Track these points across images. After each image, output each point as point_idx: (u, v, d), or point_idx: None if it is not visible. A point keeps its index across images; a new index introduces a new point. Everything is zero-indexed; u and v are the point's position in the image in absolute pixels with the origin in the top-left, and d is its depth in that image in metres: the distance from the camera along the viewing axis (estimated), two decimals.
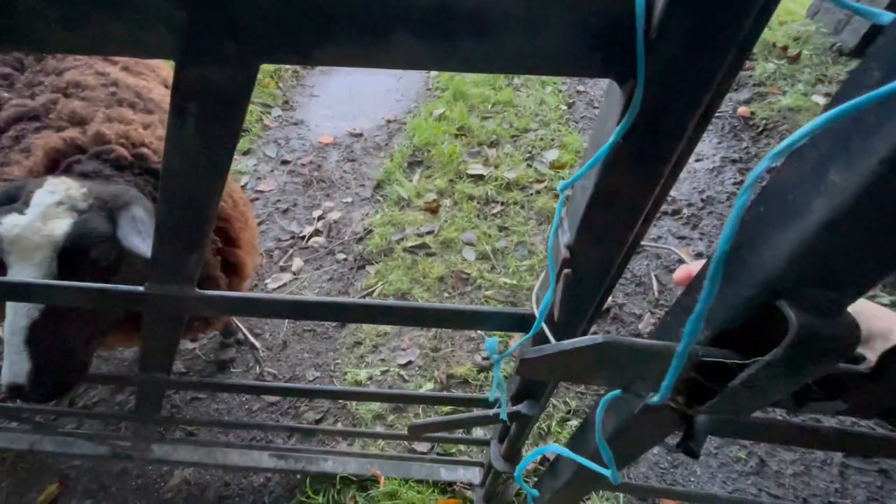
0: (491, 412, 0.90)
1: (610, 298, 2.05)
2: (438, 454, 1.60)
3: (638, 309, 2.02)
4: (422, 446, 1.62)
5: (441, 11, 0.34)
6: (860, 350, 0.37)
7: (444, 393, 1.68)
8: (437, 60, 0.37)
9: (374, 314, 0.68)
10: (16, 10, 0.36)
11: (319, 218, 2.40)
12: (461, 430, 1.63)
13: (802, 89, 2.86)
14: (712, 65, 0.33)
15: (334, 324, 1.99)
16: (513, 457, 1.10)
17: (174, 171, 0.50)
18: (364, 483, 1.49)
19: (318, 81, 3.38)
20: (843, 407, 0.35)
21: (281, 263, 2.21)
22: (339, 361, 1.86)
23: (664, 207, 2.43)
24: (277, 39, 0.36)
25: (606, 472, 0.46)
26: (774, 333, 0.30)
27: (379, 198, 2.50)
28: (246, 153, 2.78)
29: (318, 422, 1.68)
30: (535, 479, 1.07)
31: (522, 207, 2.41)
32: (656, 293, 2.06)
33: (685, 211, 2.40)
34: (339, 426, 1.67)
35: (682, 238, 2.29)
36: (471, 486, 1.49)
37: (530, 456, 0.63)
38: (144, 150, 1.11)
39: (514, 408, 0.88)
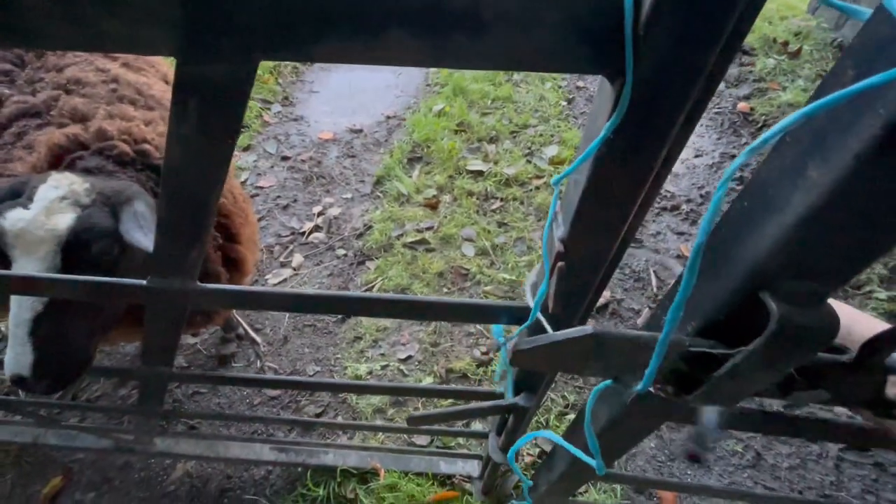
0: (490, 404, 0.91)
1: (609, 293, 2.06)
2: (438, 447, 1.61)
3: (636, 304, 2.03)
4: (421, 440, 1.63)
5: (435, 8, 0.34)
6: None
7: (444, 386, 1.70)
8: (432, 57, 0.38)
9: (374, 307, 0.70)
10: (18, 7, 0.37)
11: (319, 214, 2.41)
12: (460, 424, 1.65)
13: (803, 85, 2.85)
14: (698, 62, 0.34)
15: (334, 319, 2.00)
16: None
17: (175, 166, 0.51)
18: (364, 476, 1.51)
19: (317, 77, 3.38)
20: (825, 396, 0.36)
21: (281, 259, 2.22)
22: (339, 356, 1.88)
23: (663, 203, 2.44)
24: (275, 36, 0.37)
25: (592, 462, 0.47)
26: (758, 325, 0.31)
27: (379, 194, 2.51)
28: (246, 149, 2.78)
29: (318, 416, 1.70)
30: (534, 472, 1.08)
31: (522, 203, 2.42)
32: (655, 288, 2.07)
33: (684, 207, 2.41)
34: (340, 420, 1.69)
35: (680, 234, 2.29)
36: (469, 478, 1.50)
37: (522, 440, 0.64)
38: (146, 146, 1.12)
39: (512, 400, 0.90)
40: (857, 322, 0.41)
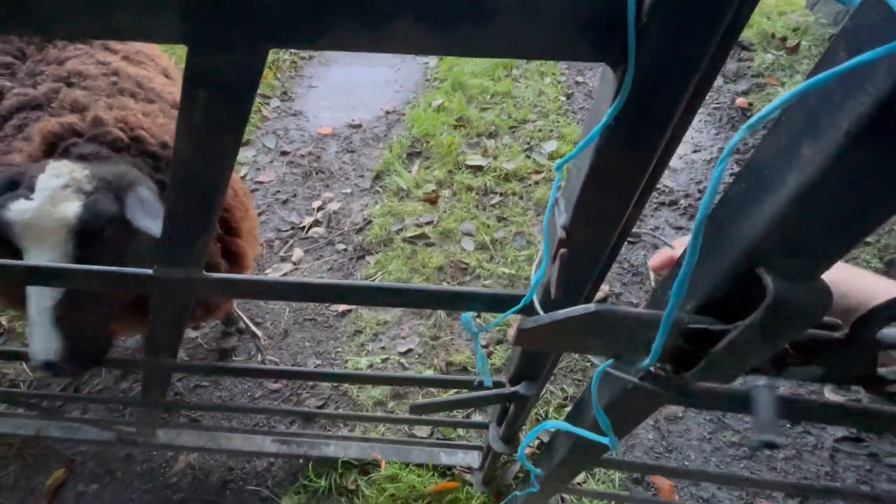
0: (491, 392, 0.93)
1: (607, 287, 2.08)
2: (438, 439, 1.63)
3: (634, 298, 2.04)
4: (422, 431, 1.65)
5: None
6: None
7: (443, 376, 1.71)
8: (438, 45, 0.39)
9: (375, 296, 0.71)
10: None
11: (319, 208, 2.42)
12: (461, 414, 1.66)
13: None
14: (699, 50, 0.35)
15: (335, 313, 2.02)
16: (511, 439, 1.13)
17: (185, 155, 0.52)
18: (365, 467, 1.53)
19: (316, 72, 3.38)
20: (818, 373, 0.37)
21: (281, 254, 2.22)
22: (339, 350, 1.89)
23: (662, 198, 2.45)
24: (284, 24, 0.38)
25: (605, 440, 0.49)
26: (754, 302, 0.32)
27: (378, 188, 2.52)
28: (245, 144, 2.78)
29: (319, 408, 1.71)
30: (532, 462, 1.10)
31: (521, 198, 2.43)
32: (652, 283, 2.09)
33: (682, 202, 2.42)
34: (341, 412, 1.70)
35: (679, 228, 2.31)
36: (470, 469, 1.52)
37: (530, 435, 0.66)
38: (141, 132, 1.12)
39: (513, 388, 0.91)
40: (853, 290, 0.42)
